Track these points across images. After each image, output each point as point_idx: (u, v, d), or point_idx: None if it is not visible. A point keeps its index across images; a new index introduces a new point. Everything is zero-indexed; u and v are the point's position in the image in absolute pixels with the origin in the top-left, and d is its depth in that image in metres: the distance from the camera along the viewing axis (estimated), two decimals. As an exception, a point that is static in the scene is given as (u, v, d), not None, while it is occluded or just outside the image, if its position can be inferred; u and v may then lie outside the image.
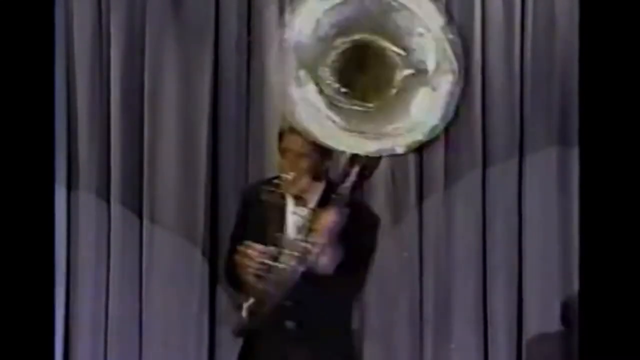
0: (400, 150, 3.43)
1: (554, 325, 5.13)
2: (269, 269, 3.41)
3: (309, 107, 3.38)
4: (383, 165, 5.13)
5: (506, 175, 5.16)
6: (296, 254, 3.40)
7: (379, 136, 3.41)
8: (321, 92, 3.41)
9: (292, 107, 3.37)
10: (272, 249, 3.44)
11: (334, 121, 3.39)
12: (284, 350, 3.51)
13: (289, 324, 3.48)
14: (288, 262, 3.41)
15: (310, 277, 3.42)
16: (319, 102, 3.40)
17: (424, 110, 3.42)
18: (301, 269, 3.40)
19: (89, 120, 5.20)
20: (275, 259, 3.42)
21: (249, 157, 5.18)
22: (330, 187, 3.50)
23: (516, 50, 5.15)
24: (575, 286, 4.94)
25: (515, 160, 5.16)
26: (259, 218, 3.55)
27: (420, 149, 5.15)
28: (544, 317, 5.14)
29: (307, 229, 3.43)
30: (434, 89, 3.42)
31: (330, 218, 3.41)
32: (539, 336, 5.14)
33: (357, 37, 3.44)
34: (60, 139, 5.06)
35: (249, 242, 3.45)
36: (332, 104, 3.41)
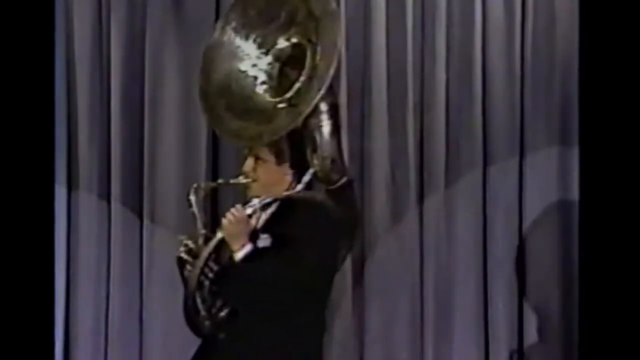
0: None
1: (554, 325, 5.13)
2: (190, 251, 3.57)
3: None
4: (383, 165, 5.15)
5: (506, 175, 5.16)
6: (190, 244, 3.53)
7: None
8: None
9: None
10: (187, 241, 3.59)
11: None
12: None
13: (221, 336, 3.51)
14: (202, 252, 3.51)
15: (228, 269, 3.47)
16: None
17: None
18: (205, 255, 3.48)
19: (89, 120, 5.20)
20: (189, 251, 3.56)
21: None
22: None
23: (516, 50, 5.15)
24: (576, 286, 4.94)
25: (516, 160, 5.16)
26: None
27: (420, 148, 5.16)
28: (544, 317, 5.14)
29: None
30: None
31: (242, 212, 3.48)
32: (539, 336, 5.14)
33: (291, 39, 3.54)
34: (60, 139, 5.05)
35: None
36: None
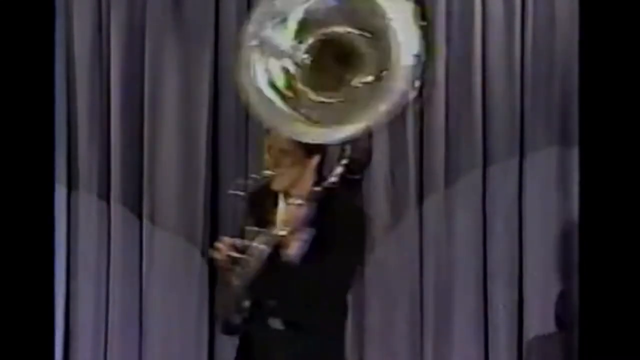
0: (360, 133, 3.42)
1: (554, 325, 5.13)
2: (234, 260, 3.43)
3: (267, 99, 3.40)
4: (383, 165, 5.15)
5: (506, 175, 5.16)
6: (261, 245, 3.41)
7: (341, 126, 3.41)
8: (289, 86, 3.43)
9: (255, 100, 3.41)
10: (238, 241, 3.46)
11: (299, 113, 3.40)
12: (272, 351, 3.52)
13: (274, 323, 3.49)
14: (252, 253, 3.42)
15: (281, 269, 3.43)
16: (278, 95, 3.42)
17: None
18: (266, 253, 3.40)
19: (89, 120, 5.20)
20: (242, 251, 3.44)
21: (248, 156, 5.18)
22: (318, 183, 3.51)
23: (516, 50, 5.15)
24: (575, 286, 4.94)
25: (516, 160, 5.16)
26: (253, 214, 3.58)
27: (420, 148, 5.16)
28: (544, 317, 5.14)
29: (275, 221, 3.45)
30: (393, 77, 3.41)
31: (298, 210, 3.42)
32: (539, 336, 5.14)
33: (325, 30, 3.46)
34: (60, 139, 5.05)
35: (222, 237, 3.48)
36: (297, 98, 3.43)
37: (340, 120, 3.37)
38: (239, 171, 5.16)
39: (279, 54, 3.44)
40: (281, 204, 3.56)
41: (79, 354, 5.19)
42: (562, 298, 5.12)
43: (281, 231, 3.41)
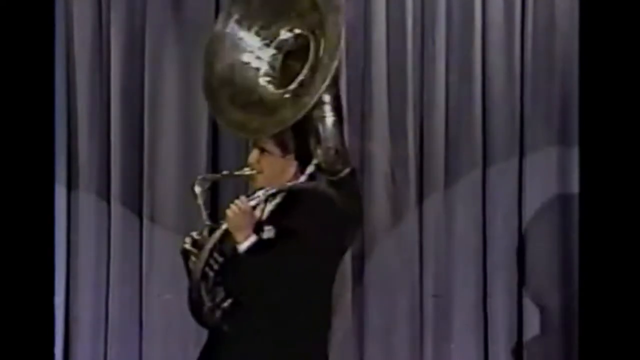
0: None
1: (554, 325, 5.13)
2: (190, 253, 3.56)
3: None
4: (383, 165, 5.15)
5: (506, 175, 5.16)
6: (195, 235, 3.55)
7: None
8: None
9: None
10: (193, 233, 3.58)
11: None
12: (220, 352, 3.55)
13: (225, 328, 3.52)
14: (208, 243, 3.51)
15: (232, 260, 3.47)
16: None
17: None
18: (206, 251, 3.49)
19: (89, 120, 5.20)
20: (200, 246, 3.53)
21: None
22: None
23: (516, 50, 5.15)
24: (575, 286, 4.94)
25: (515, 160, 5.16)
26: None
27: (420, 148, 5.16)
28: (544, 318, 5.14)
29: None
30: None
31: (246, 204, 3.48)
32: (539, 336, 5.14)
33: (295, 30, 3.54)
34: (60, 139, 5.05)
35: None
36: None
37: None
38: (243, 163, 5.15)
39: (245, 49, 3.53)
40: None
41: (79, 354, 5.19)
42: (562, 298, 5.12)
43: (222, 225, 3.50)
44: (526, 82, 5.16)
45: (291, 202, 3.51)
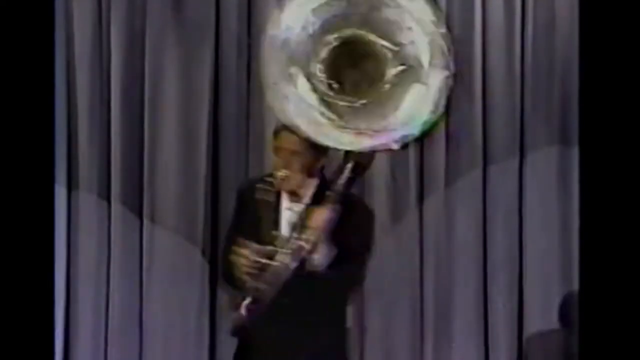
0: (394, 146, 3.44)
1: (554, 325, 5.13)
2: (263, 267, 3.45)
3: (300, 103, 3.41)
4: (383, 165, 5.15)
5: (506, 174, 5.16)
6: (290, 251, 3.44)
7: (372, 132, 3.42)
8: (313, 89, 3.42)
9: (284, 105, 3.40)
10: (267, 247, 3.48)
11: (327, 118, 3.41)
12: (279, 347, 3.53)
13: (285, 301, 3.49)
14: (282, 260, 3.43)
15: (304, 274, 3.44)
16: (311, 98, 3.43)
17: (416, 105, 3.43)
18: (294, 265, 3.43)
19: (89, 120, 5.21)
20: (270, 257, 3.45)
21: (249, 156, 5.18)
22: (324, 184, 3.52)
23: (516, 50, 5.15)
24: (575, 286, 4.94)
25: (516, 159, 5.16)
26: (253, 216, 3.58)
27: (420, 148, 5.16)
28: (544, 317, 5.14)
29: (301, 226, 3.46)
30: (425, 84, 3.43)
31: (323, 215, 3.44)
32: (539, 336, 5.14)
33: (347, 33, 3.46)
34: (60, 139, 5.06)
35: (243, 241, 3.48)
36: (324, 101, 3.43)
37: (369, 125, 3.39)
38: (239, 171, 5.17)
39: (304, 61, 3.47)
40: (285, 206, 3.58)
41: (79, 354, 5.19)
42: (562, 298, 5.12)
43: (309, 238, 3.43)
44: (526, 82, 5.16)
45: (345, 210, 3.50)
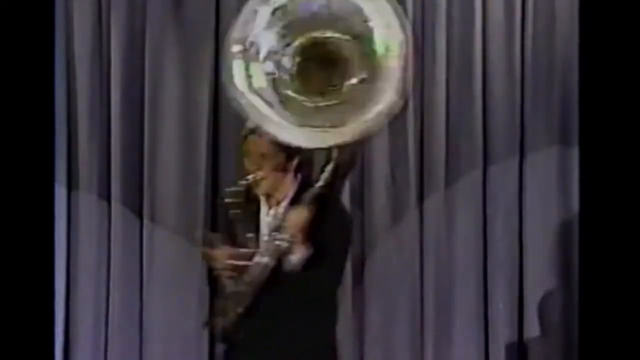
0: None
1: (554, 325, 5.13)
2: (240, 269, 3.46)
3: (263, 103, 3.39)
4: (383, 165, 5.15)
5: (506, 175, 5.16)
6: (268, 251, 3.44)
7: (334, 130, 3.41)
8: (275, 89, 3.42)
9: (249, 108, 3.40)
10: (244, 250, 3.49)
11: (290, 117, 3.40)
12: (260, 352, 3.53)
13: (242, 335, 3.50)
14: (260, 261, 3.44)
15: (279, 276, 3.44)
16: (274, 98, 3.41)
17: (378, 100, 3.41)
18: (272, 265, 3.43)
19: (89, 120, 5.20)
20: (249, 259, 3.46)
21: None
22: (304, 186, 3.52)
23: (516, 50, 5.15)
24: (575, 286, 4.94)
25: (516, 159, 5.16)
26: (227, 220, 3.58)
27: (420, 148, 5.16)
28: (544, 317, 5.14)
29: (278, 227, 3.45)
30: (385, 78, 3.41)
31: (300, 215, 3.44)
32: (539, 336, 5.14)
33: (312, 34, 3.46)
34: (60, 139, 5.06)
35: (219, 245, 3.50)
36: (287, 100, 3.42)
37: (337, 123, 3.37)
38: (239, 171, 5.16)
39: (264, 58, 3.45)
40: (263, 209, 3.58)
41: (79, 354, 5.19)
42: (562, 298, 5.12)
43: (286, 238, 3.42)
44: (526, 82, 5.16)
45: (325, 214, 3.50)
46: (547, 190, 5.15)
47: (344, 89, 3.40)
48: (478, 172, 5.16)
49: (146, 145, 5.19)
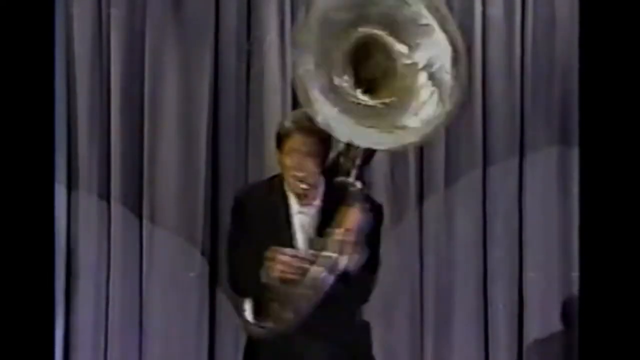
0: (414, 140, 3.42)
1: (554, 325, 5.13)
2: (304, 272, 3.39)
3: (324, 103, 3.37)
4: (383, 165, 5.15)
5: (506, 174, 5.16)
6: (334, 255, 3.38)
7: (392, 130, 3.40)
8: (333, 88, 3.40)
9: (311, 105, 3.36)
10: (308, 252, 3.43)
11: (349, 116, 3.38)
12: (296, 346, 3.51)
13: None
14: (324, 264, 3.38)
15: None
16: (333, 98, 3.40)
17: (430, 104, 3.42)
18: (336, 270, 3.38)
19: (89, 120, 5.20)
20: (312, 262, 3.40)
21: (248, 157, 5.18)
22: (331, 182, 3.49)
23: (516, 50, 5.15)
24: (576, 286, 4.94)
25: (516, 159, 5.16)
26: (260, 219, 3.55)
27: (420, 148, 5.16)
28: (544, 317, 5.14)
29: (324, 225, 3.43)
30: (437, 84, 3.42)
31: (357, 215, 3.41)
32: (539, 336, 5.14)
33: (364, 31, 3.45)
34: (60, 139, 5.06)
35: (278, 248, 3.42)
36: (345, 100, 3.41)
37: (388, 123, 3.39)
38: (239, 171, 5.17)
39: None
40: (296, 208, 3.55)
41: (79, 354, 5.19)
42: (562, 298, 5.12)
43: (348, 238, 3.39)
44: (526, 82, 5.16)
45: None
46: (547, 190, 5.15)
47: (399, 69, 3.40)
48: (478, 172, 5.16)
49: (146, 145, 5.19)
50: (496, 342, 5.14)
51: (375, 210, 3.51)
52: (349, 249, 3.39)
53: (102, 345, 5.19)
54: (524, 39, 5.16)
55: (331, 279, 3.37)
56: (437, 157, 5.16)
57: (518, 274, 5.15)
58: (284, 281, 3.38)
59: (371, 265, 3.48)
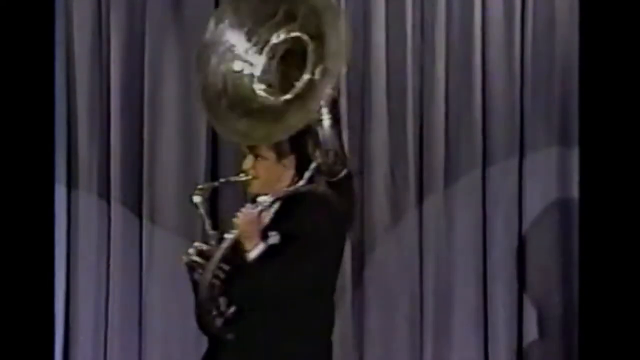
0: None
1: (554, 325, 5.13)
2: (197, 265, 3.48)
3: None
4: (383, 165, 5.15)
5: (506, 174, 5.16)
6: (201, 246, 3.49)
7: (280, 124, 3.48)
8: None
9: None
10: (204, 245, 3.51)
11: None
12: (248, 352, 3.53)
13: (230, 336, 3.50)
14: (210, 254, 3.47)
15: (239, 268, 3.45)
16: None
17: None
18: (216, 261, 3.44)
19: (89, 120, 5.20)
20: (207, 256, 3.48)
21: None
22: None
23: (516, 50, 5.15)
24: (575, 286, 4.94)
25: (516, 160, 5.16)
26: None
27: (420, 148, 5.16)
28: (544, 317, 5.14)
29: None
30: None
31: (250, 212, 3.46)
32: (539, 336, 5.14)
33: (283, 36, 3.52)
34: (60, 139, 5.06)
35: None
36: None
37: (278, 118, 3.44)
38: (239, 169, 5.16)
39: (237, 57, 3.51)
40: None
41: (79, 354, 5.19)
42: (562, 298, 5.12)
43: (229, 234, 3.46)
44: (526, 82, 5.16)
45: (292, 206, 3.51)
46: (547, 190, 5.15)
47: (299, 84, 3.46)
48: (478, 172, 5.16)
49: (146, 145, 5.19)
50: (496, 342, 5.14)
51: (299, 203, 3.50)
52: (234, 244, 3.46)
53: (102, 345, 5.19)
54: (524, 39, 5.16)
55: (209, 271, 3.44)
56: (437, 157, 5.15)
57: (518, 274, 5.15)
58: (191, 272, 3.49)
59: (279, 254, 3.46)
